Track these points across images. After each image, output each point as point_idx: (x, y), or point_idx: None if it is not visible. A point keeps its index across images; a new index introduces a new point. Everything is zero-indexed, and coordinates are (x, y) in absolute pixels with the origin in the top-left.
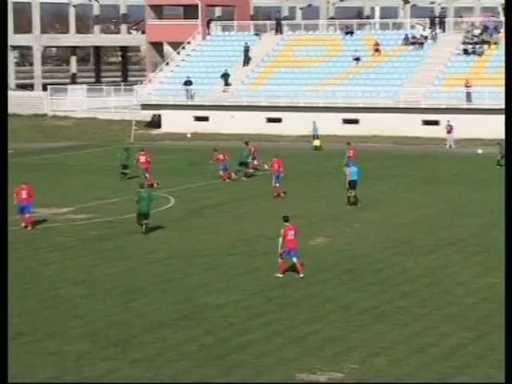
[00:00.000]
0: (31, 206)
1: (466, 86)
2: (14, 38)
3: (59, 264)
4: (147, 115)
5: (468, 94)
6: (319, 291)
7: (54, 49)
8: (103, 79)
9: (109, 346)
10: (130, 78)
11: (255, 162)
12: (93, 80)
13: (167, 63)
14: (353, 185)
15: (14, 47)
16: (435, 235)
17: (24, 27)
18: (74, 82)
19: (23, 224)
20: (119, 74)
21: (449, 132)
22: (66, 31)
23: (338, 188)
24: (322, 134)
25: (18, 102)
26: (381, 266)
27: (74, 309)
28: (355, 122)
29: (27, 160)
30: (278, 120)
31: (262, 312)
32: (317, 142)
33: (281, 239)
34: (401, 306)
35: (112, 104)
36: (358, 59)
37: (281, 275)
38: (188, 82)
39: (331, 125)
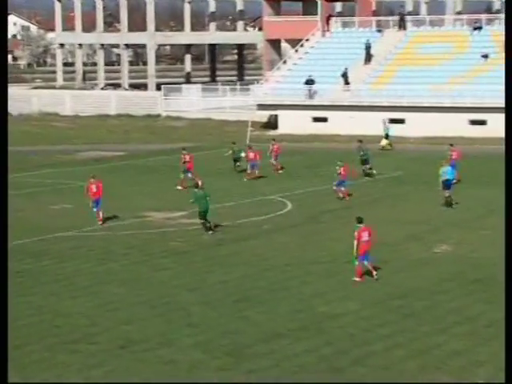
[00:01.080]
0: (100, 200)
1: None
2: (128, 37)
3: (173, 270)
4: (263, 116)
5: None
6: (443, 302)
7: (168, 47)
8: (218, 78)
9: (222, 356)
10: (246, 77)
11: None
12: (207, 79)
13: (285, 61)
14: (447, 185)
15: (128, 45)
16: None
17: (138, 25)
18: (188, 82)
19: (99, 221)
20: (235, 72)
21: None
22: (181, 29)
23: (465, 193)
24: (447, 135)
25: (132, 102)
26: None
27: (187, 317)
28: (483, 122)
29: (140, 162)
30: (401, 121)
31: (382, 323)
32: (384, 142)
33: (355, 242)
34: None
35: (227, 104)
36: (486, 56)
37: (358, 279)
38: (310, 81)
39: (457, 126)
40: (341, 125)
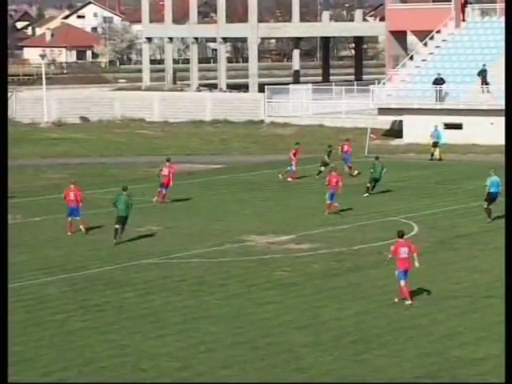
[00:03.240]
0: (79, 209)
1: None
2: (226, 29)
3: (278, 304)
4: (386, 122)
5: None
6: None
7: (273, 41)
8: (332, 77)
9: None
10: (365, 76)
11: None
12: (320, 79)
13: (411, 57)
14: (491, 197)
15: (226, 39)
16: None
17: (238, 15)
18: (296, 82)
19: (81, 227)
20: (352, 71)
21: None
22: (289, 19)
23: None
24: None
25: (230, 106)
26: None
27: (295, 360)
28: None
29: (241, 177)
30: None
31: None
32: (435, 151)
33: (389, 256)
34: None
35: (343, 108)
36: None
37: (408, 301)
38: (439, 81)
39: None
40: (478, 132)
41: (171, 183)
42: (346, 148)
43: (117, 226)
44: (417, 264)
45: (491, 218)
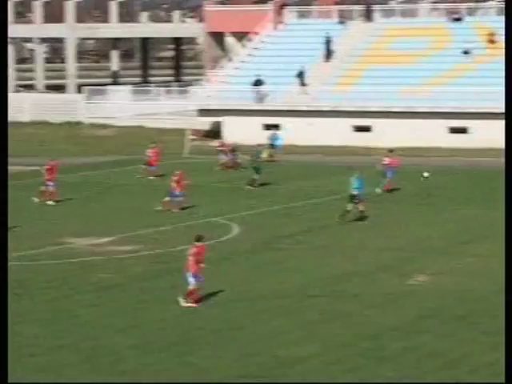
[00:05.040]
0: None
1: None
2: (43, 29)
3: (100, 307)
4: (206, 123)
5: None
6: (422, 343)
7: (91, 41)
8: (152, 79)
9: None
10: (185, 78)
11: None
12: (139, 80)
13: (230, 59)
14: (353, 198)
15: (44, 39)
16: None
17: (55, 15)
18: (115, 83)
19: None
20: (171, 72)
21: None
22: (107, 20)
23: (445, 214)
24: (422, 145)
25: (48, 106)
26: (499, 312)
27: (118, 362)
28: (464, 131)
29: (62, 178)
30: (368, 129)
31: (350, 368)
32: (265, 153)
33: (191, 258)
34: None
35: (163, 109)
36: (467, 53)
37: (191, 304)
38: (258, 82)
39: (435, 134)
40: (297, 133)
41: None
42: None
43: None
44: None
45: (345, 219)
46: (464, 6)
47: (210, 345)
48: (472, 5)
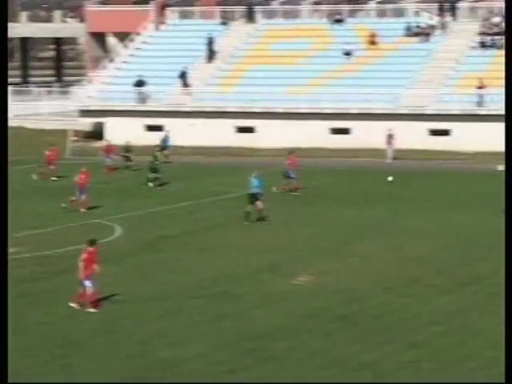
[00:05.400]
0: None
1: (479, 88)
2: None
3: None
4: (87, 124)
5: (480, 97)
6: (305, 342)
7: None
8: (32, 79)
9: None
10: (66, 78)
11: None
12: (18, 80)
13: (112, 59)
14: (252, 198)
15: None
16: (449, 272)
17: None
18: None
19: None
20: (52, 72)
21: (389, 143)
22: None
23: (327, 214)
24: (305, 145)
25: None
26: (382, 311)
27: None
28: (346, 131)
29: None
30: (251, 130)
31: (234, 368)
32: (161, 155)
33: (82, 263)
34: (407, 360)
35: (44, 110)
36: (348, 54)
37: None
38: (140, 83)
39: (317, 135)
40: (180, 134)
41: None
42: None
43: None
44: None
45: (250, 220)
46: (345, 7)
47: (92, 347)
48: (353, 6)
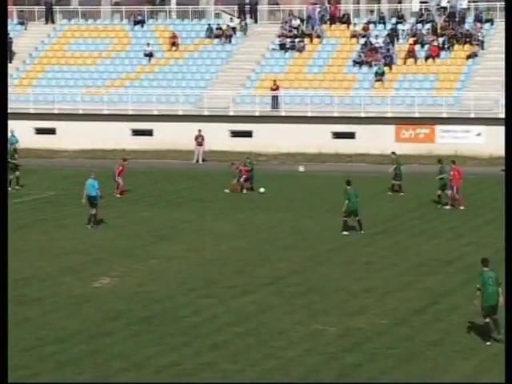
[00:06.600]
0: None
1: (273, 89)
2: None
3: None
4: None
5: (274, 99)
6: (106, 345)
7: None
8: None
9: None
10: None
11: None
12: None
13: None
14: (91, 201)
15: None
16: (249, 273)
17: None
18: None
19: None
20: None
21: (200, 144)
22: None
23: (128, 216)
24: (108, 147)
25: None
26: (183, 313)
27: None
28: (148, 133)
29: None
30: (51, 131)
31: (34, 373)
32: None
33: None
34: (208, 361)
35: None
36: (150, 55)
37: None
38: None
39: (117, 137)
40: None
41: None
42: None
43: None
44: None
45: (96, 222)
46: (145, 8)
47: None
48: (153, 8)
